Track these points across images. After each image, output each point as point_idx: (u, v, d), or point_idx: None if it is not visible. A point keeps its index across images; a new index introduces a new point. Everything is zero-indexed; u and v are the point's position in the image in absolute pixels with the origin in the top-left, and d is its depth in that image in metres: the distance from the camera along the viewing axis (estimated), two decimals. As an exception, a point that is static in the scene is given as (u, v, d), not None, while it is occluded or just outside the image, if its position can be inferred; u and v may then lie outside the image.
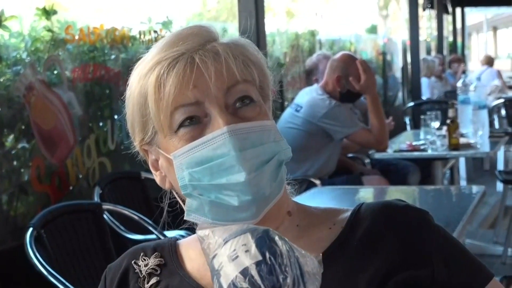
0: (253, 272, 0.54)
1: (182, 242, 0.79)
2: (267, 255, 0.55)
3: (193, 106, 0.67)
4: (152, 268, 0.75)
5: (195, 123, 0.68)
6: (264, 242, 0.56)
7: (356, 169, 3.23)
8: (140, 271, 0.76)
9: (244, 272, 0.54)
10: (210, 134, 0.67)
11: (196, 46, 0.69)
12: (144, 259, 0.76)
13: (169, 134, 0.69)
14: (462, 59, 8.49)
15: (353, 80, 2.89)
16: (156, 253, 0.77)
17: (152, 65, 0.69)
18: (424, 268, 0.69)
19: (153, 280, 0.74)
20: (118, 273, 0.77)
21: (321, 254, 0.59)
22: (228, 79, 0.68)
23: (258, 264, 0.54)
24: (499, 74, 7.46)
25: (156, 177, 0.74)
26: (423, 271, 0.69)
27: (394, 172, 3.32)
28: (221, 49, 0.69)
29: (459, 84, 3.75)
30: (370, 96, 2.92)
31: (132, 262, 0.77)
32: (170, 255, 0.77)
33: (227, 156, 0.66)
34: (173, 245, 0.78)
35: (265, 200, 0.67)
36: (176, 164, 0.68)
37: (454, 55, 9.19)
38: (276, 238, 0.57)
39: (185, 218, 0.70)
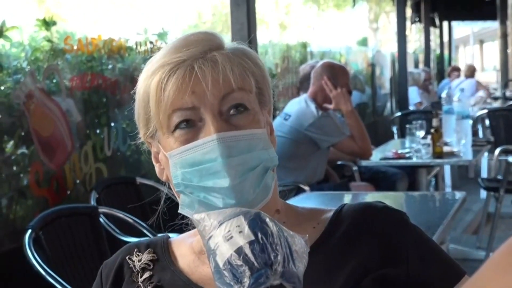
0: (247, 250, 0.57)
1: (173, 240, 0.83)
2: (259, 235, 0.58)
3: (189, 110, 0.71)
4: (145, 263, 0.79)
5: (190, 126, 0.72)
6: (256, 224, 0.59)
7: (336, 179, 3.28)
8: (134, 266, 0.79)
9: (239, 251, 0.58)
10: (201, 140, 0.70)
11: (198, 54, 0.72)
12: (138, 255, 0.80)
13: (167, 133, 0.73)
14: (460, 69, 8.81)
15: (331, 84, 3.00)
16: (149, 249, 0.81)
17: (156, 68, 0.73)
18: (400, 265, 0.72)
19: (146, 275, 0.78)
20: (113, 268, 0.81)
21: (307, 235, 0.62)
22: (224, 87, 0.71)
23: (251, 243, 0.58)
24: (478, 84, 7.75)
25: (156, 168, 0.79)
26: (400, 268, 0.72)
27: (383, 179, 3.39)
28: (220, 59, 0.72)
29: (443, 95, 3.86)
30: (343, 111, 3.02)
31: (127, 257, 0.80)
32: (162, 252, 0.80)
33: (214, 161, 0.69)
34: (165, 242, 0.82)
35: (249, 204, 0.69)
36: (171, 163, 0.73)
37: (453, 65, 9.56)
38: (267, 220, 0.60)
39: (179, 211, 0.74)
